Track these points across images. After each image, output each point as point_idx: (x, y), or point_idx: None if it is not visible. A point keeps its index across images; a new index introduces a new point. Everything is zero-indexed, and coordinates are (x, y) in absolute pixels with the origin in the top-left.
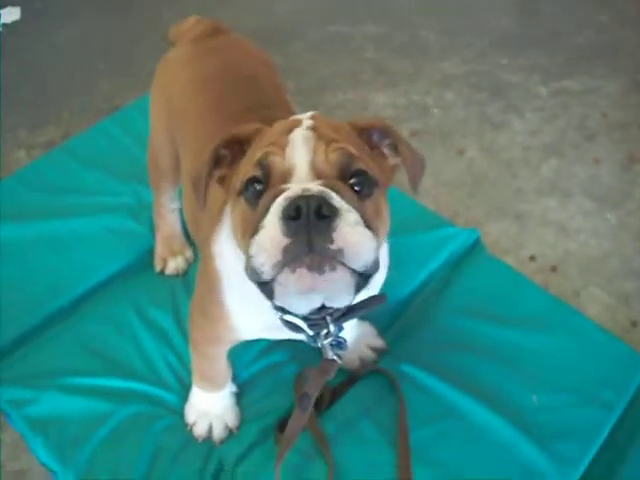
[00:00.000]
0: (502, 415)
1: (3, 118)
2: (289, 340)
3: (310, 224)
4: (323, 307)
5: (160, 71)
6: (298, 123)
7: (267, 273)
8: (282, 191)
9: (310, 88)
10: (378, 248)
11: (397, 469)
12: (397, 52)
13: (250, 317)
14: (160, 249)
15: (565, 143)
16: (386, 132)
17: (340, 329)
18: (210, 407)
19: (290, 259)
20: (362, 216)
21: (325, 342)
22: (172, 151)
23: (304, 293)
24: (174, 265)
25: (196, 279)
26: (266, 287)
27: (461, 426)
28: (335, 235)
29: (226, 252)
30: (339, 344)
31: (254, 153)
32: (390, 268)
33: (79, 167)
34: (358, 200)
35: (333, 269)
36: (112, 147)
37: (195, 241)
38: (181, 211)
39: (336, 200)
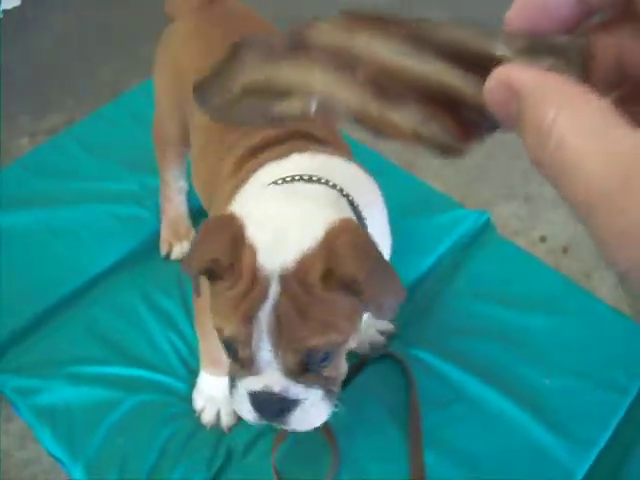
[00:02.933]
0: (514, 399)
1: (5, 105)
2: None
3: (273, 417)
4: None
5: (166, 40)
6: (263, 295)
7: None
8: (248, 371)
9: None
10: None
11: (408, 454)
12: None
13: None
14: (166, 233)
15: None
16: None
17: None
18: (218, 392)
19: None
20: (322, 386)
21: None
22: (180, 120)
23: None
24: (180, 249)
25: None
26: None
27: (473, 410)
28: (292, 421)
29: None
30: None
31: (224, 307)
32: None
33: (83, 153)
34: (321, 369)
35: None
36: (116, 133)
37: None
38: (188, 193)
39: (295, 393)
